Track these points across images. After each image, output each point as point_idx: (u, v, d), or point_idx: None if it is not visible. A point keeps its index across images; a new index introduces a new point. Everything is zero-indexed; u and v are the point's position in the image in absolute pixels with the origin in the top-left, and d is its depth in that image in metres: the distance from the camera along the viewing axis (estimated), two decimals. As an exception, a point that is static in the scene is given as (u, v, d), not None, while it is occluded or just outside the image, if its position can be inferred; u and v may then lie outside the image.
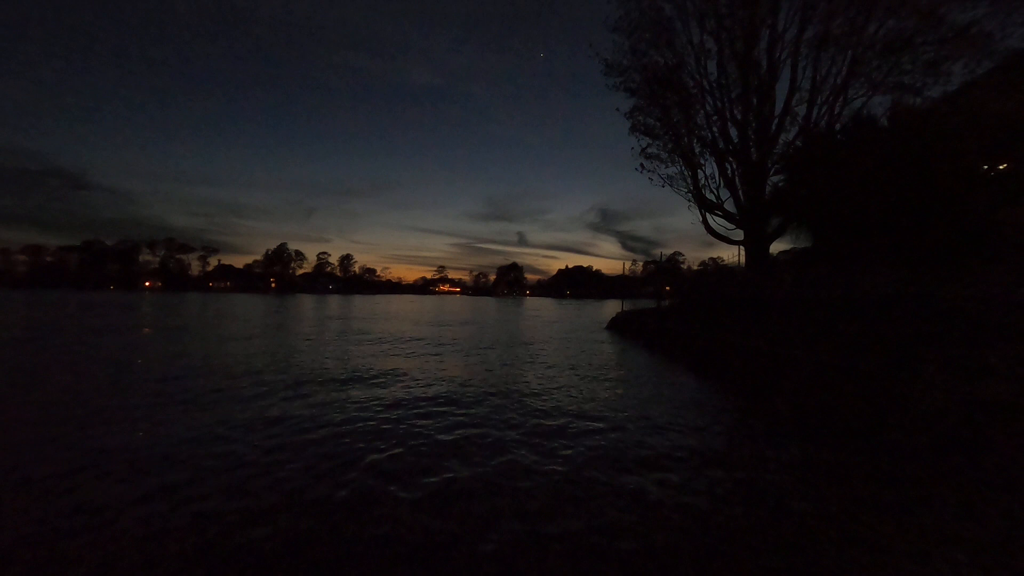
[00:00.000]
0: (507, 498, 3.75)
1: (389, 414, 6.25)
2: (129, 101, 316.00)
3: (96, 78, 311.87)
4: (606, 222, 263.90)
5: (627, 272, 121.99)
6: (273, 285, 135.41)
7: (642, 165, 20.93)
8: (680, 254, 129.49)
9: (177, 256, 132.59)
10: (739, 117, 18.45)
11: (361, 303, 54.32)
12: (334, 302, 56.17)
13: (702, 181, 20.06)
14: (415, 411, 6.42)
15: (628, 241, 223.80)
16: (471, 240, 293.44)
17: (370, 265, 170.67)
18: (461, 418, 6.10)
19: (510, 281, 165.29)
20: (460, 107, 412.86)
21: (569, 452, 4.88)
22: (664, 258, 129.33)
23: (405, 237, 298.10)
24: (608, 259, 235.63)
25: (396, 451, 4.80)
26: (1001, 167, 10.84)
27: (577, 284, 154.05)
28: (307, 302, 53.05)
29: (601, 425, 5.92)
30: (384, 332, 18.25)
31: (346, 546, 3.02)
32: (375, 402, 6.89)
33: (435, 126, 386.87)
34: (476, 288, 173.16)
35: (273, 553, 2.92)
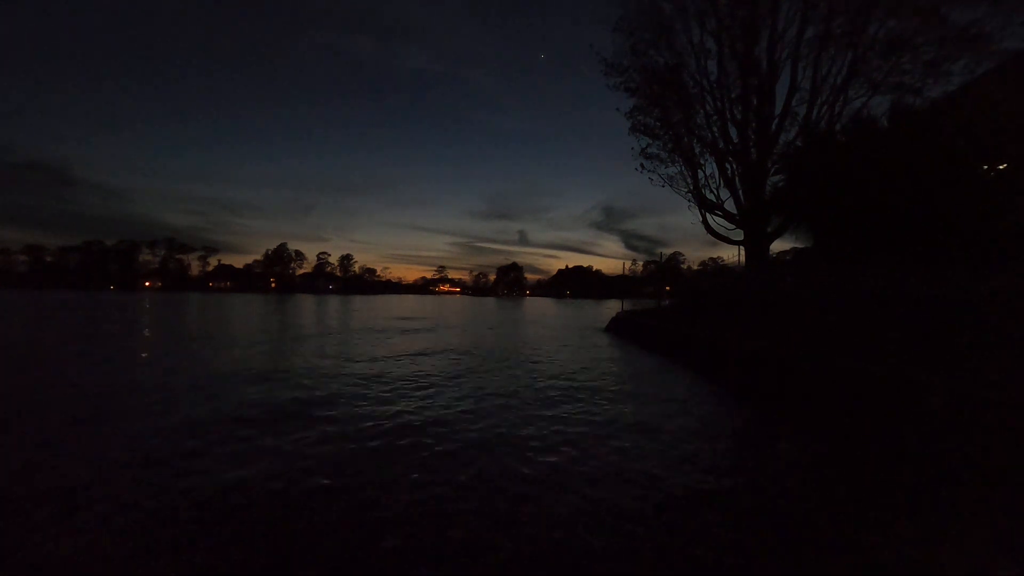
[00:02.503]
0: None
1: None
2: (111, 93, 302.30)
3: (75, 68, 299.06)
4: (610, 220, 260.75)
5: (627, 272, 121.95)
6: (273, 285, 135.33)
7: (642, 165, 20.95)
8: (680, 254, 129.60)
9: (177, 256, 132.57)
10: (739, 117, 18.45)
11: (361, 303, 54.23)
12: (338, 302, 56.08)
13: (702, 181, 20.07)
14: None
15: (631, 240, 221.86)
16: (471, 239, 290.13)
17: (370, 265, 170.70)
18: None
19: (510, 281, 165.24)
20: (461, 95, 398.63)
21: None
22: (664, 258, 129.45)
23: (404, 236, 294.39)
24: (610, 259, 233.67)
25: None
26: (1001, 167, 10.84)
27: (577, 284, 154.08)
28: (319, 303, 52.83)
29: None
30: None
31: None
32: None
33: (435, 117, 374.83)
34: (476, 288, 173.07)
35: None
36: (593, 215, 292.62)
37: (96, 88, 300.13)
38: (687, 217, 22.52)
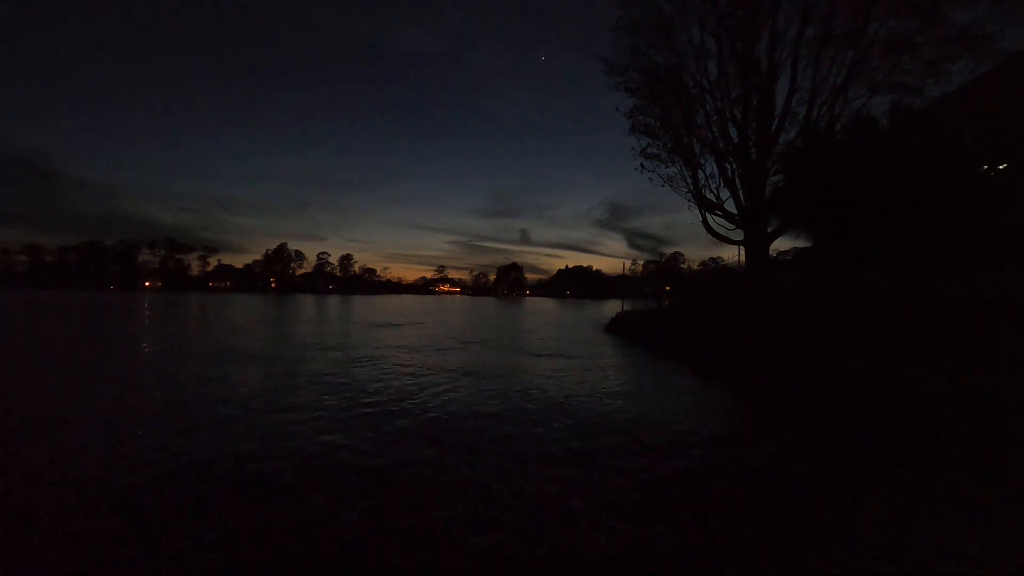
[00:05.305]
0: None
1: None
2: (89, 82, 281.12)
3: (53, 55, 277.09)
4: (615, 218, 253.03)
5: (627, 272, 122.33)
6: (273, 285, 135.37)
7: (642, 165, 20.98)
8: (680, 254, 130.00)
9: (177, 256, 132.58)
10: (739, 117, 18.46)
11: (359, 304, 54.18)
12: (337, 302, 56.03)
13: (702, 181, 20.09)
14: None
15: (635, 239, 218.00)
16: (472, 238, 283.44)
17: (369, 264, 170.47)
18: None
19: (510, 281, 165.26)
20: (463, 81, 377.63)
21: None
22: (664, 258, 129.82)
23: (404, 235, 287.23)
24: (611, 258, 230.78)
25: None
26: (1001, 167, 10.86)
27: (577, 284, 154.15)
28: (319, 303, 52.78)
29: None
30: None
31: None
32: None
33: (435, 107, 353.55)
34: (476, 288, 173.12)
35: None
36: (598, 212, 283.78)
37: (73, 76, 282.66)
38: (692, 215, 22.64)
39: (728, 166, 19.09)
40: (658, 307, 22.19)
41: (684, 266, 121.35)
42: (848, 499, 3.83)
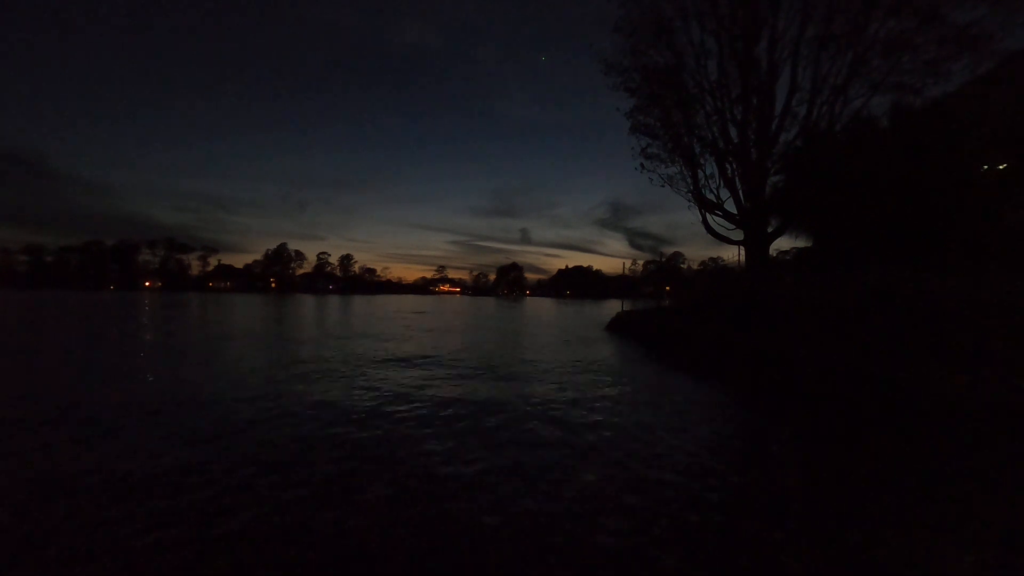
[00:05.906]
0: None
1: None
2: (85, 79, 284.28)
3: (54, 55, 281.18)
4: (616, 217, 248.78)
5: (627, 272, 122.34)
6: (273, 285, 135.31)
7: (642, 165, 20.96)
8: (680, 254, 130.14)
9: (177, 256, 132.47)
10: (739, 117, 18.44)
11: (360, 303, 54.13)
12: (345, 303, 55.99)
13: (702, 181, 20.06)
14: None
15: (636, 239, 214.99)
16: (472, 238, 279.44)
17: (369, 264, 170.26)
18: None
19: (510, 281, 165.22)
20: (463, 81, 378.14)
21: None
22: (664, 258, 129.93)
23: (404, 234, 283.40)
24: (612, 258, 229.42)
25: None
26: (1001, 167, 10.86)
27: (577, 284, 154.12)
28: (330, 304, 52.65)
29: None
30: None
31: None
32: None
33: (435, 104, 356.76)
34: (476, 288, 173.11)
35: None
36: (600, 212, 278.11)
37: (73, 76, 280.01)
38: (692, 215, 22.69)
39: (728, 166, 19.07)
40: (658, 307, 22.19)
41: (684, 266, 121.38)
42: (843, 495, 3.83)
